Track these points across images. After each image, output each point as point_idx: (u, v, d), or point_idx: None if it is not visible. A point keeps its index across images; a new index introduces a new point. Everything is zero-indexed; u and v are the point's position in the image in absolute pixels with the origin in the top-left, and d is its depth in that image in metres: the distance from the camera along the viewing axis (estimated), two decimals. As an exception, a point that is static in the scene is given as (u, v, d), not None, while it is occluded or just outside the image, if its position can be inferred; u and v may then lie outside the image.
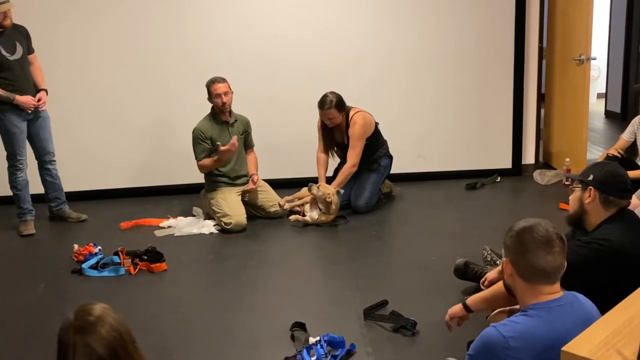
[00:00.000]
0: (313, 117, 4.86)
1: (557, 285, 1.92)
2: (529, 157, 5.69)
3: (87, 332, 1.60)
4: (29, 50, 4.54)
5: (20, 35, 4.47)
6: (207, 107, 4.69)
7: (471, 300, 2.54)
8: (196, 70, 5.15)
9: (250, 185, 4.65)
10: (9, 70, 4.36)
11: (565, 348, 1.69)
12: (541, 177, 5.35)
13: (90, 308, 1.66)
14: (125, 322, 1.68)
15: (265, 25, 5.25)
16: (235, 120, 4.72)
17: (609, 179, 2.52)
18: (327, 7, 5.29)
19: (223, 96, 4.55)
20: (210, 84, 4.58)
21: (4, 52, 4.33)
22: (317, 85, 4.91)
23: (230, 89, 4.61)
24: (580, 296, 1.98)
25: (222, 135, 4.62)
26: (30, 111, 4.47)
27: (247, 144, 4.84)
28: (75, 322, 1.62)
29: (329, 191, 4.51)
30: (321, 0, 5.28)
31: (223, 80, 4.58)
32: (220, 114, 4.64)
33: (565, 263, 1.92)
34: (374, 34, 5.36)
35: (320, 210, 4.54)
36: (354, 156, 4.75)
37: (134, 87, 5.28)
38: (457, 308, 2.55)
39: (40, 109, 4.53)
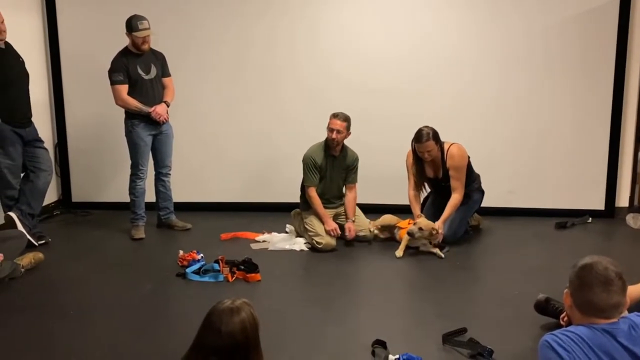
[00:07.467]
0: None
1: (614, 320, 1.99)
2: (622, 200, 5.61)
3: (232, 314, 1.96)
4: (163, 73, 5.01)
5: (157, 59, 4.97)
6: (307, 133, 4.98)
7: None
8: (302, 97, 5.56)
9: (347, 234, 4.80)
10: (142, 88, 4.86)
11: None
12: (634, 220, 5.27)
13: (236, 299, 2.03)
14: (258, 321, 2.02)
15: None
16: (343, 156, 4.88)
17: None
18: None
19: (334, 132, 4.71)
20: (330, 117, 4.75)
21: (139, 71, 4.84)
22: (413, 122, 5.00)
23: (346, 130, 4.73)
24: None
25: (327, 166, 4.84)
26: (163, 122, 4.91)
27: (348, 179, 4.96)
28: (224, 305, 1.98)
29: (432, 226, 4.58)
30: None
31: (342, 118, 4.72)
32: (330, 146, 4.84)
33: (624, 301, 2.00)
34: (477, 81, 5.52)
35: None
36: (459, 187, 4.78)
37: (240, 113, 5.69)
38: None
39: (160, 121, 4.90)
